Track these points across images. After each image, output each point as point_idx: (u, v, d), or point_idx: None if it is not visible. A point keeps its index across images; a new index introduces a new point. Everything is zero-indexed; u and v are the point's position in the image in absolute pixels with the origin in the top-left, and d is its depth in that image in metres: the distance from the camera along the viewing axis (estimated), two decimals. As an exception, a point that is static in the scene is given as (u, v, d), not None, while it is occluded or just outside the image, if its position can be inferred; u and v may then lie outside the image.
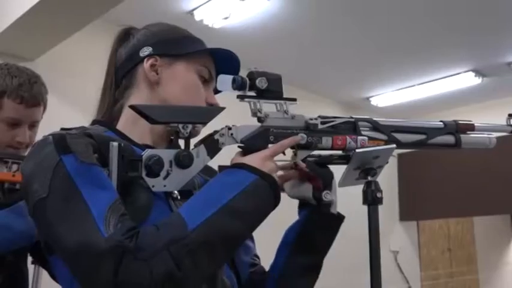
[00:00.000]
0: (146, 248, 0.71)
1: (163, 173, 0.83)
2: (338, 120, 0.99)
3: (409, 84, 5.34)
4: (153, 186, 0.83)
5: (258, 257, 1.06)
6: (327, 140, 0.97)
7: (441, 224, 7.11)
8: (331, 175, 1.00)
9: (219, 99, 1.05)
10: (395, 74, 5.07)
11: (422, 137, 1.05)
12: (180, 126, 0.86)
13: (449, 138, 1.08)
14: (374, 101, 5.79)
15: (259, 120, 0.94)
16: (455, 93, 5.51)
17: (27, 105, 1.48)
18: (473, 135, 1.10)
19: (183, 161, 0.84)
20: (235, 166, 0.87)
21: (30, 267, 1.64)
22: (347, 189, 1.30)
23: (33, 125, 1.54)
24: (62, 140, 0.81)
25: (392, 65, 4.82)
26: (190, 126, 0.86)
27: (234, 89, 0.93)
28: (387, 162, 1.11)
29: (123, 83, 1.00)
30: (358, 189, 1.31)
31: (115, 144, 0.82)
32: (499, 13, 3.89)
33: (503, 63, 4.83)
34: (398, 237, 6.27)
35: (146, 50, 0.99)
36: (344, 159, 1.00)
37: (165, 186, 0.84)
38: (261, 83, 0.93)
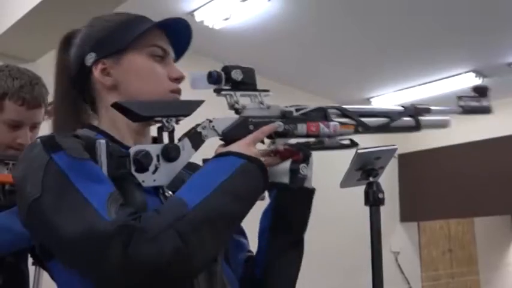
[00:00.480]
0: (152, 227, 0.71)
1: (151, 168, 0.84)
2: (309, 108, 1.02)
3: (409, 85, 5.34)
4: (143, 181, 0.83)
5: (252, 252, 1.07)
6: (302, 127, 1.00)
7: (442, 225, 7.10)
8: (310, 152, 1.02)
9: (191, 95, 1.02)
10: (396, 74, 5.06)
11: (386, 120, 1.10)
12: (164, 120, 0.87)
13: (410, 121, 1.13)
14: (375, 102, 5.78)
15: (237, 112, 0.96)
16: (455, 93, 5.49)
17: (28, 107, 1.48)
18: (430, 117, 1.16)
19: (171, 153, 0.85)
20: (222, 154, 0.87)
21: (31, 269, 1.64)
22: (347, 190, 1.30)
23: (34, 127, 1.54)
24: (50, 139, 0.81)
25: (393, 66, 4.82)
26: (173, 119, 0.87)
27: (210, 83, 0.95)
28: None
29: (86, 98, 1.00)
30: (357, 190, 1.31)
31: (102, 141, 0.82)
32: (499, 13, 3.89)
33: (504, 63, 4.83)
34: (399, 238, 6.27)
35: (90, 58, 0.95)
36: (320, 144, 1.03)
37: (154, 180, 0.84)
38: (236, 74, 0.96)
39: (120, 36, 0.95)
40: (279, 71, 4.81)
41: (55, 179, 0.76)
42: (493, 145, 5.45)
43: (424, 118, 1.15)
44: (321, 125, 1.02)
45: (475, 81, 5.13)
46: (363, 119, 1.07)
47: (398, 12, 3.84)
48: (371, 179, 1.21)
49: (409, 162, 6.09)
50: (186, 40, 1.02)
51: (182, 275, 0.75)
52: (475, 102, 1.25)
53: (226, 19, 3.76)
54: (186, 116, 0.90)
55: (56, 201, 0.74)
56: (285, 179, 0.98)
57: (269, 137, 0.97)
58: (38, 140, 0.82)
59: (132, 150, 0.83)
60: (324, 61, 4.73)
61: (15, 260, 1.46)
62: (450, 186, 5.74)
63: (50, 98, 1.57)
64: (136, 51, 0.95)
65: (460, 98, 1.23)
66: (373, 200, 1.19)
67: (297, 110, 1.01)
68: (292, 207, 1.00)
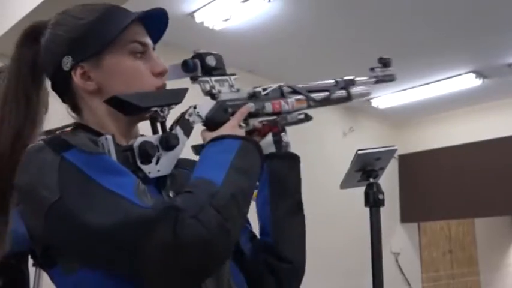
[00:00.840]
0: (191, 206, 0.72)
1: (154, 159, 0.85)
2: (270, 89, 1.09)
3: (409, 86, 5.34)
4: (149, 172, 0.84)
5: (254, 233, 1.08)
6: (268, 106, 1.06)
7: (442, 226, 7.10)
8: (284, 121, 1.09)
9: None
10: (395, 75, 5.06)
11: (327, 93, 1.18)
12: (159, 109, 0.88)
13: (343, 93, 1.23)
14: (375, 103, 5.78)
15: (213, 97, 0.99)
16: (456, 94, 5.50)
17: None
18: (357, 88, 1.27)
19: (171, 141, 0.87)
20: (217, 138, 0.88)
21: (31, 270, 1.64)
22: (347, 191, 1.30)
23: None
24: (56, 139, 0.77)
25: (392, 67, 4.81)
26: (167, 109, 0.89)
27: (186, 71, 0.97)
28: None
29: (65, 100, 0.96)
30: (357, 191, 1.31)
31: (109, 136, 0.81)
32: (499, 14, 3.89)
33: (504, 64, 4.83)
34: (399, 239, 6.27)
35: (67, 61, 0.89)
36: (284, 121, 1.09)
37: (158, 171, 0.85)
38: (211, 61, 0.98)
39: (97, 37, 0.89)
40: (279, 71, 4.81)
41: (73, 178, 0.73)
42: (494, 146, 5.45)
43: (352, 90, 1.26)
44: (282, 102, 1.08)
45: (475, 82, 5.13)
46: (311, 94, 1.15)
47: (397, 13, 3.85)
48: (371, 180, 1.21)
49: (409, 163, 6.09)
50: (163, 26, 0.98)
51: (226, 249, 0.77)
52: (383, 73, 1.44)
53: (227, 20, 3.76)
54: (178, 103, 0.91)
55: (80, 199, 0.72)
56: (272, 150, 1.04)
57: (244, 119, 1.01)
58: (41, 142, 0.78)
59: (136, 143, 0.83)
60: (324, 62, 4.73)
61: (16, 261, 1.46)
62: (451, 187, 5.74)
63: (50, 99, 1.57)
64: (115, 50, 0.90)
65: (371, 69, 1.41)
66: (373, 201, 1.20)
67: (263, 90, 1.08)
68: (285, 171, 1.03)
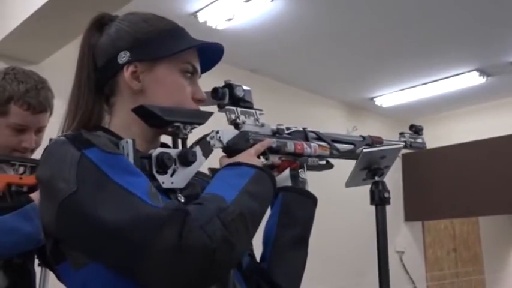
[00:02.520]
0: (199, 215, 0.74)
1: (170, 171, 0.88)
2: (293, 129, 1.13)
3: (413, 84, 5.34)
4: (163, 182, 0.86)
5: (252, 250, 1.08)
6: (290, 145, 1.09)
7: (446, 225, 7.09)
8: (305, 159, 1.11)
9: None
10: (399, 74, 5.06)
11: (351, 146, 1.21)
12: (182, 126, 0.91)
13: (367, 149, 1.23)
14: (378, 101, 5.78)
15: (237, 126, 1.03)
16: (459, 93, 5.49)
17: (34, 111, 1.48)
18: (382, 147, 1.26)
19: (189, 157, 0.89)
20: (234, 164, 0.92)
21: (37, 269, 1.64)
22: (352, 189, 1.30)
23: (39, 131, 1.54)
24: (78, 136, 0.81)
25: (396, 65, 4.81)
26: (189, 126, 0.93)
27: (214, 98, 1.01)
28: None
29: (105, 90, 0.98)
30: (360, 190, 1.31)
31: (130, 140, 0.84)
32: (502, 12, 3.88)
33: (508, 62, 4.82)
34: (403, 238, 6.26)
35: (124, 56, 0.94)
36: (304, 162, 1.11)
37: (172, 183, 0.88)
38: (239, 91, 1.02)
39: (161, 46, 0.95)
40: (282, 70, 4.81)
41: (90, 174, 0.76)
42: (498, 144, 5.43)
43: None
44: (305, 145, 1.11)
45: (479, 80, 5.12)
46: (335, 144, 1.18)
47: (400, 12, 3.84)
48: (376, 178, 1.21)
49: (413, 161, 6.08)
50: (215, 61, 1.04)
51: (228, 262, 0.78)
52: (413, 139, 1.46)
53: (230, 20, 3.76)
54: (200, 124, 0.95)
55: (95, 194, 0.74)
56: (288, 183, 1.06)
57: (263, 153, 1.03)
58: (63, 138, 0.82)
59: (155, 153, 0.87)
60: (327, 61, 4.73)
61: (22, 261, 1.46)
62: (455, 186, 5.73)
63: (56, 102, 1.58)
64: (170, 63, 0.95)
65: (401, 134, 1.45)
66: (379, 199, 1.20)
67: (287, 129, 1.12)
68: (297, 205, 1.04)
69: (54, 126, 1.55)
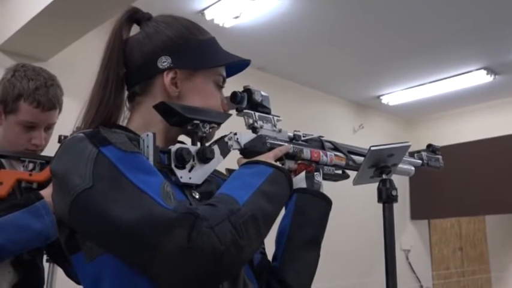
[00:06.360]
0: (210, 217, 0.74)
1: (188, 166, 0.90)
2: (309, 137, 1.14)
3: (419, 83, 5.31)
4: (181, 177, 0.89)
5: (264, 249, 1.09)
6: (306, 152, 1.10)
7: (453, 223, 7.07)
8: (320, 166, 1.12)
9: None
10: (406, 72, 5.04)
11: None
12: (201, 124, 0.93)
13: None
14: (385, 100, 5.76)
15: (254, 130, 1.04)
16: (466, 91, 5.47)
17: (43, 109, 1.49)
18: (400, 164, 1.27)
19: (207, 154, 0.91)
20: (252, 162, 0.94)
21: (45, 265, 1.66)
22: (360, 187, 1.30)
23: (49, 127, 1.56)
24: (97, 134, 0.82)
25: (403, 63, 4.80)
26: (208, 125, 0.94)
27: (232, 102, 1.03)
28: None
29: (136, 89, 0.98)
30: (371, 187, 1.31)
31: (150, 134, 0.85)
32: (510, 10, 3.86)
33: (516, 60, 4.79)
34: (409, 236, 6.25)
35: (165, 61, 0.96)
36: (320, 170, 1.13)
37: (190, 178, 0.90)
38: (258, 96, 1.05)
39: (201, 57, 0.98)
40: (289, 68, 4.81)
41: (106, 171, 0.77)
42: (505, 143, 5.41)
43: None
44: (321, 153, 1.13)
45: (486, 78, 5.09)
46: (351, 155, 1.19)
47: (408, 10, 3.83)
48: (384, 176, 1.21)
49: (419, 160, 6.06)
50: (237, 72, 1.08)
51: (236, 264, 0.78)
52: (429, 159, 1.46)
53: (237, 17, 3.76)
54: (219, 124, 0.97)
55: (110, 191, 0.76)
56: (303, 185, 1.06)
57: (279, 158, 1.04)
58: (81, 134, 0.83)
59: (174, 147, 0.89)
60: (334, 59, 4.72)
61: (31, 257, 1.48)
62: (461, 184, 5.71)
63: (65, 99, 1.59)
64: (207, 74, 0.99)
65: (418, 152, 1.44)
66: (386, 197, 1.20)
67: (304, 136, 1.13)
68: (312, 206, 1.05)
69: (61, 123, 1.57)
